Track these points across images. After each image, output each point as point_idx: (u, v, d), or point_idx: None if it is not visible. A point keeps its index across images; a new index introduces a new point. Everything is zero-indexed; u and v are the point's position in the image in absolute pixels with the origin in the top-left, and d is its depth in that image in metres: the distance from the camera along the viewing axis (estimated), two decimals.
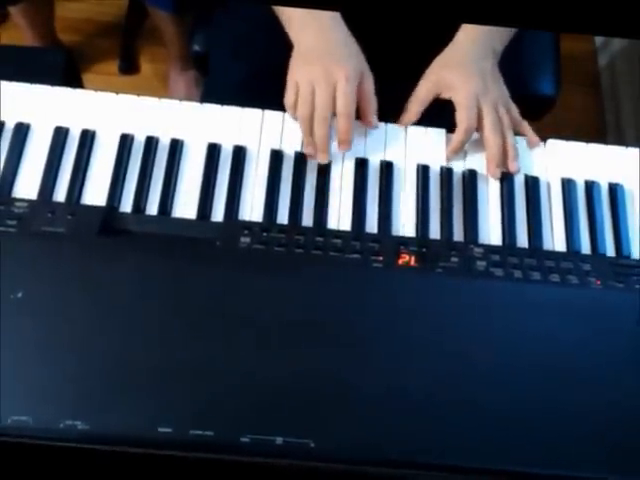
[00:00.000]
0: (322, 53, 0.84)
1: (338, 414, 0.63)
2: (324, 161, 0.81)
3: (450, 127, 0.86)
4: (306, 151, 0.82)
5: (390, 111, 0.86)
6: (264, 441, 0.61)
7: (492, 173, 0.83)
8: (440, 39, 0.90)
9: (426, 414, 0.64)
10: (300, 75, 0.83)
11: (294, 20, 0.88)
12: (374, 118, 0.84)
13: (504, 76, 0.90)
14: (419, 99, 0.87)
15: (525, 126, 0.88)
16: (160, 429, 0.61)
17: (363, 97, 0.83)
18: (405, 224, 0.80)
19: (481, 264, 0.74)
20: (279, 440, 0.61)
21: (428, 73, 0.88)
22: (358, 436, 0.63)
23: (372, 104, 0.84)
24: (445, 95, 0.86)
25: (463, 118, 0.83)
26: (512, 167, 0.84)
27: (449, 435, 0.63)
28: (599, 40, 1.85)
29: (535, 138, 0.87)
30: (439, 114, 0.87)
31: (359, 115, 0.84)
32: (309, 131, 0.82)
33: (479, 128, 0.84)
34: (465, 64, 0.87)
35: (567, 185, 0.84)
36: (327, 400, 0.64)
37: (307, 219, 0.79)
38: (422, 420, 0.63)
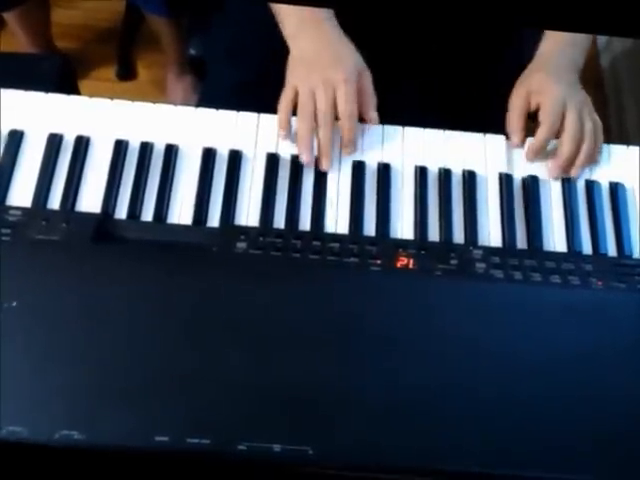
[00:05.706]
0: (318, 57, 0.84)
1: (337, 420, 0.62)
2: (326, 168, 0.81)
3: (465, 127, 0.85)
4: (305, 159, 0.80)
5: (391, 111, 0.86)
6: (261, 449, 0.60)
7: (554, 174, 0.83)
8: (440, 38, 0.89)
9: (425, 419, 0.63)
10: (299, 80, 0.83)
11: (289, 22, 0.88)
12: (374, 114, 0.84)
13: (508, 75, 0.89)
14: (517, 113, 0.86)
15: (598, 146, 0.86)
16: (157, 438, 0.60)
17: (362, 94, 0.84)
18: (403, 226, 0.79)
19: (481, 266, 0.74)
20: (277, 447, 0.60)
21: (518, 85, 0.88)
22: (357, 442, 0.62)
23: (372, 100, 0.84)
24: (534, 100, 0.86)
25: (547, 118, 0.83)
26: (572, 172, 0.83)
27: (449, 440, 0.62)
28: (601, 41, 1.84)
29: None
30: (437, 115, 0.87)
31: (359, 112, 0.83)
32: (309, 136, 0.80)
33: (559, 132, 0.84)
34: (553, 72, 0.88)
35: (567, 185, 0.83)
36: (326, 406, 0.63)
37: (304, 223, 0.78)
38: (421, 425, 0.62)
